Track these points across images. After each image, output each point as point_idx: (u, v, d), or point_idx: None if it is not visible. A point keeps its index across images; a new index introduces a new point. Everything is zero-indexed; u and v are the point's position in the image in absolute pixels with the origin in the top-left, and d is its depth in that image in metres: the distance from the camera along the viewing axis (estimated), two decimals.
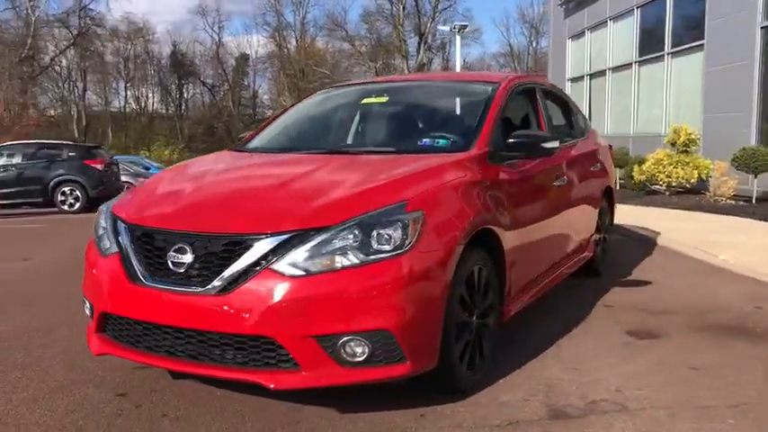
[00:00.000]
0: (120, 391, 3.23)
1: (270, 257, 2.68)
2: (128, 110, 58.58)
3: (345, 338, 2.66)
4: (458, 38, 27.46)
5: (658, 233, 7.78)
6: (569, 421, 2.89)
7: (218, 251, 2.75)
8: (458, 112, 4.22)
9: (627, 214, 9.54)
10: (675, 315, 4.52)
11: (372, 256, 2.69)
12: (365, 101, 4.42)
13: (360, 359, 2.69)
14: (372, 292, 2.66)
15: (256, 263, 2.68)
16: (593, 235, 5.34)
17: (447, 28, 30.69)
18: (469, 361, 3.17)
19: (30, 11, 44.44)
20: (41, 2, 46.18)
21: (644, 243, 7.57)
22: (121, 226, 3.07)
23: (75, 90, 55.46)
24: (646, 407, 3.03)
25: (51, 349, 3.90)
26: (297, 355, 2.66)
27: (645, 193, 12.53)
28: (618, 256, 6.68)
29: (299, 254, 2.67)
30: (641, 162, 12.64)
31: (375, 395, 3.09)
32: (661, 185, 12.04)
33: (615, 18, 16.82)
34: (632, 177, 12.96)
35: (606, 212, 5.81)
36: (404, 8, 51.12)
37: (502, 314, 3.57)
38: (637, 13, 15.77)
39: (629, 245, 7.51)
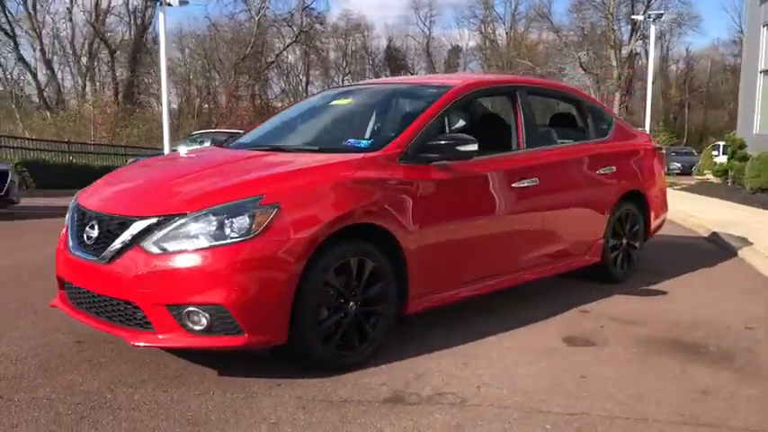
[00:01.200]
0: (79, 339, 4.00)
1: (141, 236, 3.24)
2: None
3: (190, 309, 3.15)
4: (652, 27, 25.85)
5: (751, 244, 7.12)
6: (395, 406, 3.11)
7: (111, 229, 3.37)
8: (401, 114, 4.42)
9: (746, 225, 8.74)
10: (641, 327, 4.35)
11: (220, 241, 3.15)
12: (333, 102, 4.81)
13: (201, 328, 3.17)
14: (214, 272, 3.11)
15: (132, 240, 3.26)
16: (601, 240, 5.20)
17: (641, 17, 28.90)
18: (343, 342, 3.48)
19: (258, 11, 49.24)
20: (270, 2, 51.00)
21: (720, 252, 7.03)
22: (73, 205, 3.83)
23: (300, 83, 60.60)
24: (482, 404, 3.14)
25: None
26: (152, 319, 3.20)
27: None
28: (667, 263, 6.36)
29: (161, 235, 3.20)
30: None
31: (260, 360, 3.56)
32: None
33: None
34: None
35: (635, 219, 5.57)
36: None
37: (405, 307, 3.81)
38: None
39: (699, 253, 7.02)
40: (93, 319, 3.49)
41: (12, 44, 39.15)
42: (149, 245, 3.20)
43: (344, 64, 61.88)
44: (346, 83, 52.58)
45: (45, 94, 41.04)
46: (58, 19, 41.56)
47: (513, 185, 4.38)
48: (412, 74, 61.66)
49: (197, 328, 3.17)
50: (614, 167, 5.28)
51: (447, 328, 4.25)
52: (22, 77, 41.25)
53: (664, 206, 6.08)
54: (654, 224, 5.88)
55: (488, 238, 4.25)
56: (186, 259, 3.14)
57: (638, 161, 5.61)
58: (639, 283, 5.51)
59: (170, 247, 3.18)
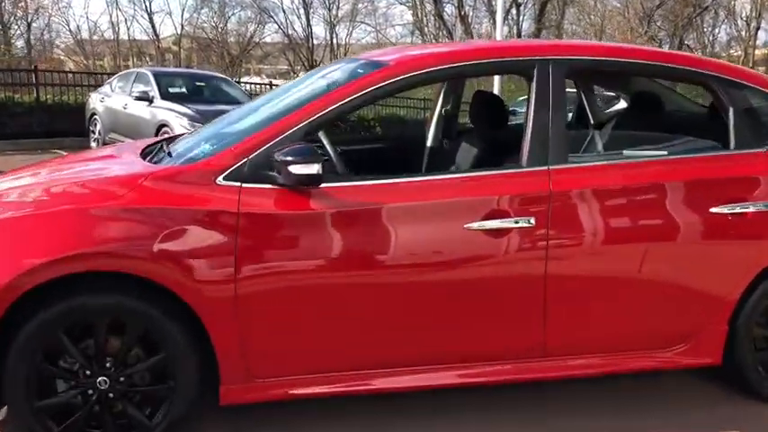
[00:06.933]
0: None
1: None
2: None
3: None
4: None
5: None
6: None
7: None
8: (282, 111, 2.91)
9: None
10: None
11: None
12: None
13: None
14: None
15: None
16: (723, 326, 2.94)
17: None
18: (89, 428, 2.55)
19: None
20: None
21: None
22: None
23: (748, 29, 52.73)
24: None
25: None
26: None
27: None
28: None
29: None
30: None
31: None
32: None
33: None
34: None
35: None
36: None
37: (218, 394, 2.64)
38: None
39: None
40: None
41: (432, 3, 42.22)
42: None
43: None
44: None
45: None
46: None
47: (465, 226, 2.66)
48: None
49: None
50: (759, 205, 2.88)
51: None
52: (440, 33, 44.40)
53: None
54: None
55: (380, 306, 2.66)
56: None
57: None
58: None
59: None
